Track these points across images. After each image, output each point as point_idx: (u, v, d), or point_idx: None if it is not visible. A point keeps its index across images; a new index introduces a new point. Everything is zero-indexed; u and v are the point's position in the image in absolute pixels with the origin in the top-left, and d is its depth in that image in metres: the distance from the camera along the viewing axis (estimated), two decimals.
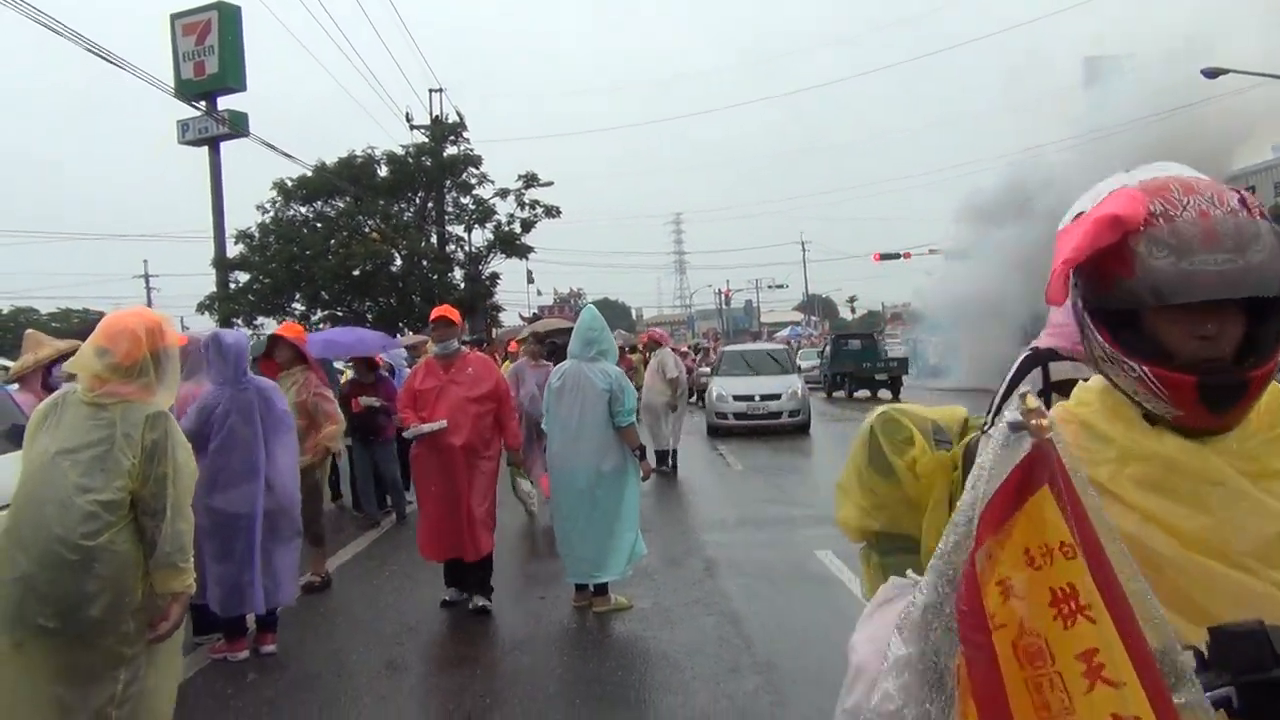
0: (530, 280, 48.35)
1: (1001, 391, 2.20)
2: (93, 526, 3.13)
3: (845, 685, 1.57)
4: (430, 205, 31.43)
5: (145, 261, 61.40)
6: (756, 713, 4.64)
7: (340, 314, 28.60)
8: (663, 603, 6.66)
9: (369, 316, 28.87)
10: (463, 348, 6.93)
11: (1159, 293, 1.31)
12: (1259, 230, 1.31)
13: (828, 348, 31.66)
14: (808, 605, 6.50)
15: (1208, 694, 1.13)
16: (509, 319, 37.53)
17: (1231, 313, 1.33)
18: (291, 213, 29.36)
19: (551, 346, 11.88)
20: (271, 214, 29.00)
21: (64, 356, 5.99)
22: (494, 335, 29.83)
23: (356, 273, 27.93)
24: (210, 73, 27.39)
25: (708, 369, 21.63)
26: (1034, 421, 1.17)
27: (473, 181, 31.11)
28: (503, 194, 30.71)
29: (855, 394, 29.31)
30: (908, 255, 51.59)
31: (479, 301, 30.28)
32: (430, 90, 33.22)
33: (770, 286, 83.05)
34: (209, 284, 29.03)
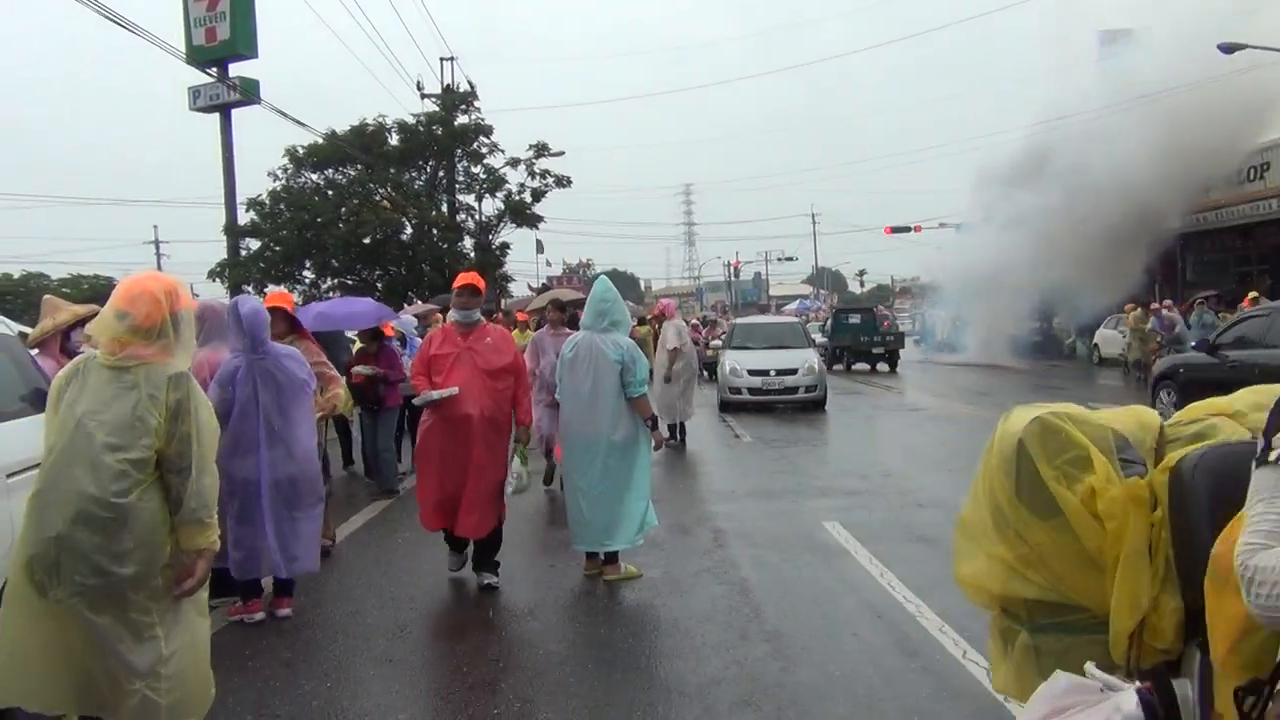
0: (540, 250, 48.35)
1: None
2: (123, 485, 3.23)
3: None
4: (441, 174, 31.42)
5: (155, 227, 61.61)
6: (765, 678, 4.71)
7: (350, 282, 28.67)
8: (672, 572, 6.74)
9: (379, 285, 28.94)
10: (483, 318, 6.76)
11: None
12: None
13: (829, 321, 31.72)
14: (815, 574, 6.56)
15: None
16: (518, 289, 37.61)
17: None
18: (303, 180, 29.36)
19: (572, 317, 11.89)
20: (283, 181, 29.01)
21: (82, 321, 6.07)
22: (503, 305, 29.89)
23: (367, 241, 27.95)
24: (222, 39, 27.29)
25: (718, 342, 21.01)
26: None
27: (483, 151, 31.08)
28: (513, 163, 30.71)
29: (853, 367, 29.52)
30: (918, 228, 51.39)
31: (489, 271, 30.28)
32: (441, 59, 33.15)
33: (780, 259, 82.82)
34: (219, 250, 29.09)
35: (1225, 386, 11.10)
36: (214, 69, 26.23)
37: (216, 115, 27.69)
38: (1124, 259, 26.02)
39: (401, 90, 76.22)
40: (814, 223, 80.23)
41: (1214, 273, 28.32)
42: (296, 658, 5.20)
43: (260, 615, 5.78)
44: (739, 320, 24.53)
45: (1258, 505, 1.15)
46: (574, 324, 10.05)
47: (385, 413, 10.06)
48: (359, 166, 29.32)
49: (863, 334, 29.90)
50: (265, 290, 26.98)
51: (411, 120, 30.26)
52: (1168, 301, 22.58)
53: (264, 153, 31.08)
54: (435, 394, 6.22)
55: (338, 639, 5.51)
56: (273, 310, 6.71)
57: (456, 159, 31.15)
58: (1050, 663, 1.23)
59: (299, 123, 23.98)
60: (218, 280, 27.88)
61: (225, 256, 28.31)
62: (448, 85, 32.09)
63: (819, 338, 30.35)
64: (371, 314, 10.67)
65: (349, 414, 10.35)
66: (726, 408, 17.52)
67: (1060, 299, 29.90)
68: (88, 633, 3.23)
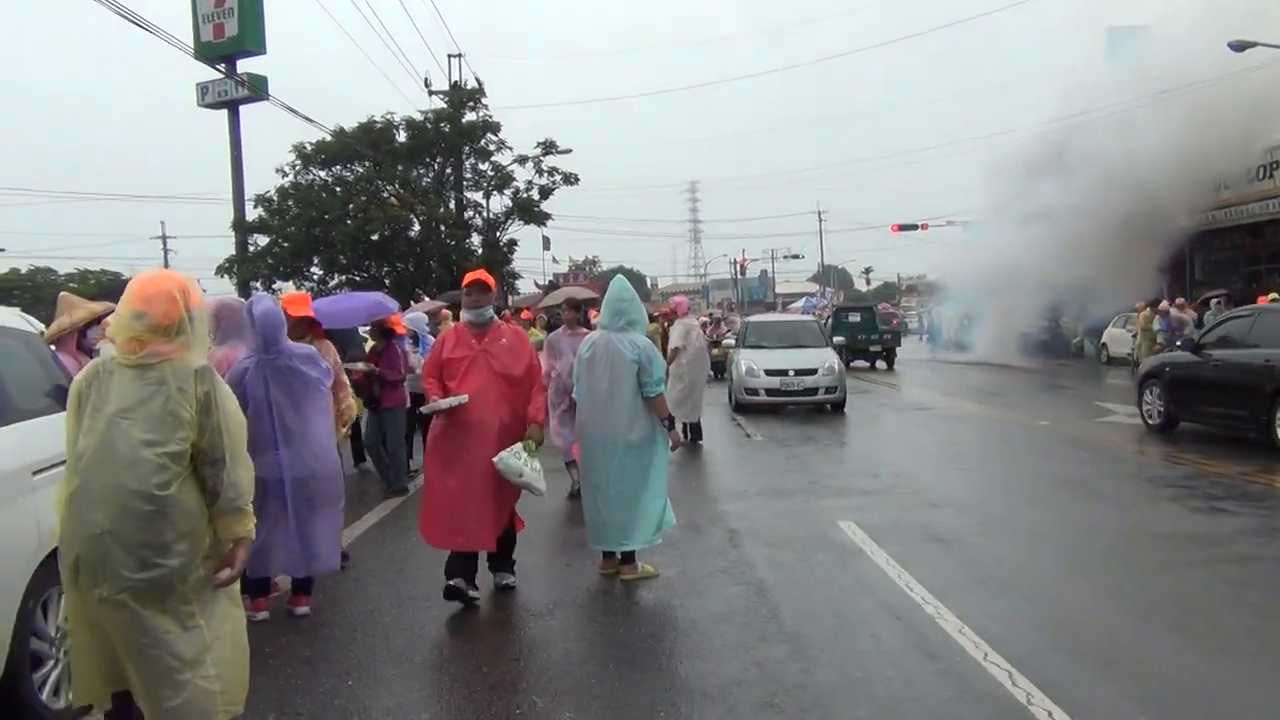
0: (546, 247, 48.32)
1: None
2: (164, 477, 3.27)
3: None
4: (449, 171, 31.45)
5: (163, 223, 61.70)
6: (786, 679, 4.70)
7: (358, 279, 28.72)
8: (688, 571, 6.74)
9: (386, 281, 28.97)
10: (496, 316, 6.44)
11: None
12: None
13: (829, 320, 31.78)
14: (832, 575, 6.56)
15: None
16: (524, 286, 37.60)
17: None
18: (311, 177, 29.42)
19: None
20: (291, 178, 29.06)
21: (98, 319, 6.09)
22: (510, 303, 29.90)
23: (375, 238, 28.00)
24: (230, 35, 27.40)
25: (729, 341, 20.23)
26: None
27: (491, 148, 31.13)
28: (521, 160, 30.75)
29: (851, 364, 29.51)
30: (925, 226, 51.26)
31: (497, 268, 30.33)
32: (449, 56, 33.34)
33: (786, 257, 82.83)
34: (227, 246, 29.22)
35: (1209, 385, 11.36)
36: (222, 65, 26.27)
37: (225, 111, 27.76)
38: (1134, 258, 26.00)
39: (410, 87, 76.43)
40: (820, 220, 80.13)
41: (1223, 272, 28.29)
42: (316, 656, 5.20)
43: (264, 614, 5.78)
44: (752, 318, 23.61)
45: None
46: (585, 324, 9.99)
47: (390, 412, 9.98)
48: (367, 163, 29.37)
49: (860, 332, 29.97)
50: (275, 287, 27.05)
51: (419, 117, 30.31)
52: (1180, 300, 22.50)
53: (272, 149, 31.17)
54: (443, 403, 5.91)
55: (356, 637, 5.51)
56: (291, 319, 6.67)
57: (464, 156, 31.21)
58: None
59: (307, 119, 24.01)
60: (226, 276, 27.97)
61: (233, 252, 28.39)
62: (455, 82, 32.16)
63: None
64: (362, 310, 10.32)
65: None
66: (742, 409, 16.92)
67: (1068, 298, 29.87)
68: (135, 628, 3.26)
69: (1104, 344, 29.26)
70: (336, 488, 5.95)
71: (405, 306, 17.63)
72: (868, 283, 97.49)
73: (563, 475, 9.26)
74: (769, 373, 16.70)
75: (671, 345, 12.60)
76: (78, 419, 3.39)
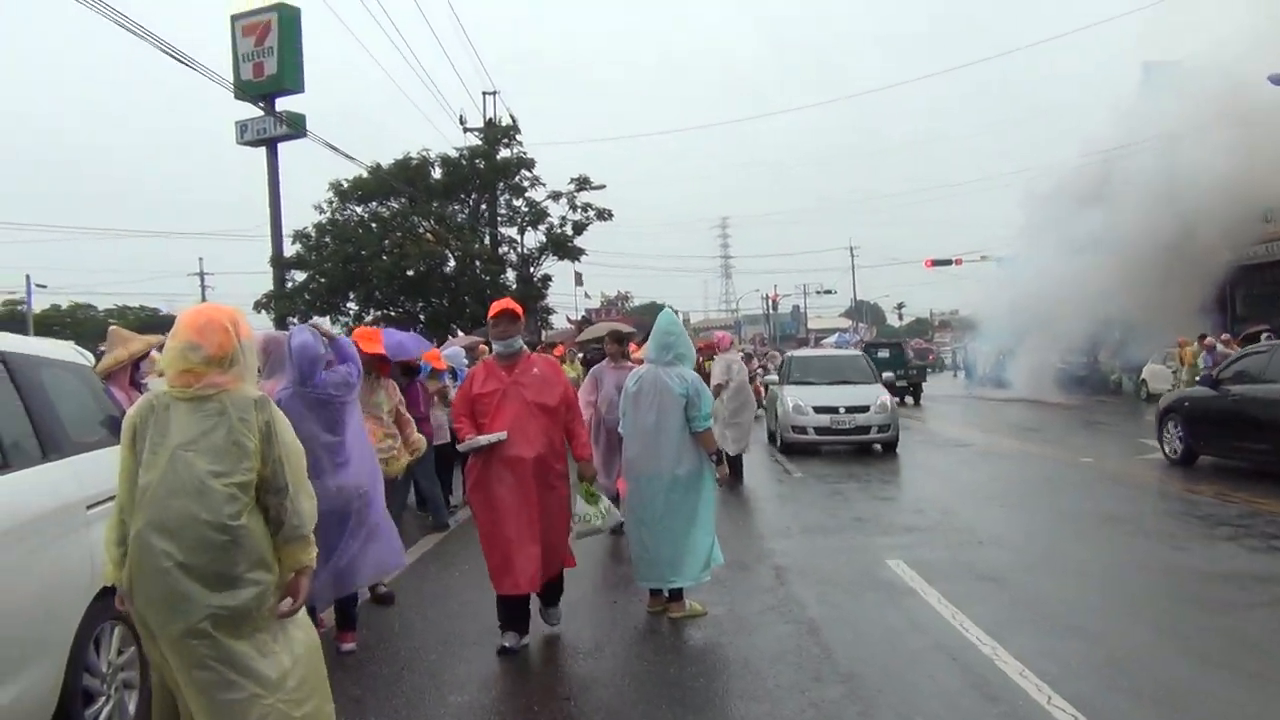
0: (579, 283, 48.47)
1: None
2: (235, 507, 3.29)
3: None
4: (484, 207, 31.68)
5: (200, 259, 62.44)
6: None
7: (393, 314, 28.91)
8: (737, 610, 6.63)
9: (421, 317, 29.15)
10: (525, 347, 6.22)
11: None
12: None
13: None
14: (884, 614, 6.43)
15: None
16: (557, 322, 37.70)
17: None
18: (347, 213, 29.70)
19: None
20: (328, 214, 29.37)
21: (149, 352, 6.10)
22: (544, 337, 29.97)
23: (410, 273, 28.18)
24: (269, 74, 27.83)
25: (773, 377, 19.32)
26: None
27: (525, 184, 31.35)
28: (555, 196, 30.94)
29: None
30: (959, 261, 51.11)
31: (531, 303, 30.43)
32: (484, 93, 33.60)
33: (818, 292, 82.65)
34: (264, 282, 29.52)
35: (1228, 419, 11.28)
36: (261, 103, 26.65)
37: (264, 149, 28.13)
38: (1174, 292, 25.71)
39: (445, 124, 77.20)
40: (852, 256, 79.97)
41: (1264, 307, 27.90)
42: (365, 694, 5.14)
43: (351, 645, 5.82)
44: (796, 352, 22.49)
45: None
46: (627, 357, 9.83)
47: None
48: (403, 199, 29.62)
49: (888, 368, 29.78)
50: (311, 321, 27.21)
51: (455, 154, 30.61)
52: (1225, 336, 22.18)
53: (310, 185, 31.55)
54: (482, 439, 5.67)
55: (404, 675, 5.45)
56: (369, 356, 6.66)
57: (499, 192, 31.43)
58: None
59: (346, 156, 24.29)
60: (264, 311, 28.21)
61: (271, 288, 28.64)
62: (490, 119, 32.46)
63: None
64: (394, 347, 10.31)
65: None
66: (789, 449, 16.08)
67: (1106, 333, 29.60)
68: (214, 658, 3.24)
69: (1143, 380, 28.88)
70: (380, 494, 5.92)
71: (441, 342, 17.67)
72: (900, 318, 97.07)
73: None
74: (818, 410, 15.82)
75: (713, 382, 12.47)
76: (134, 454, 3.38)
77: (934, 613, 6.38)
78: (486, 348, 13.01)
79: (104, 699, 4.17)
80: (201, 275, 62.25)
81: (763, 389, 19.32)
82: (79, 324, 54.01)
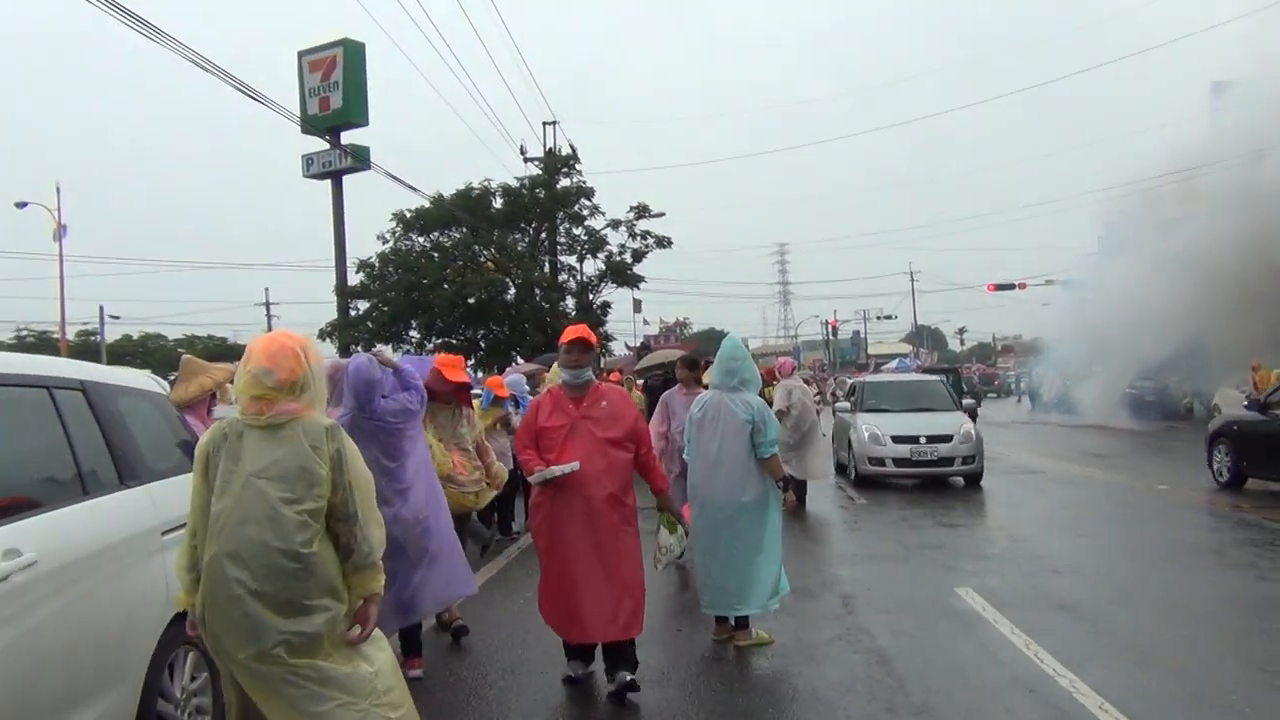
0: (637, 309, 48.55)
1: None
2: (307, 535, 3.32)
3: None
4: (544, 236, 31.90)
5: (266, 290, 63.59)
6: None
7: (455, 342, 29.15)
8: (805, 638, 6.53)
9: (482, 345, 29.37)
10: (595, 378, 5.82)
11: None
12: None
13: None
14: (956, 644, 6.29)
15: None
16: (616, 348, 37.77)
17: None
18: (410, 243, 30.05)
19: (667, 378, 11.58)
20: (391, 244, 29.74)
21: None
22: (604, 364, 30.01)
23: (471, 301, 28.40)
24: (335, 108, 28.33)
25: (845, 404, 17.55)
26: None
27: (584, 212, 31.53)
28: (614, 225, 31.08)
29: None
30: (1023, 285, 50.48)
31: (591, 330, 30.53)
32: (544, 123, 33.84)
33: (878, 317, 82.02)
34: (328, 311, 29.96)
35: (1276, 442, 11.60)
36: (327, 136, 27.13)
37: (329, 181, 28.61)
38: (1251, 315, 25.05)
39: (506, 154, 78.10)
40: (913, 281, 79.35)
41: None
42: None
43: (418, 672, 5.83)
44: (867, 378, 20.81)
45: None
46: (668, 384, 9.59)
47: None
48: (464, 229, 29.93)
49: None
50: (375, 350, 27.50)
51: (515, 183, 30.89)
52: (1255, 362, 21.57)
53: (373, 216, 32.05)
54: (556, 470, 5.31)
55: (471, 703, 5.44)
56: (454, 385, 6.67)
57: (559, 221, 31.63)
58: None
59: (410, 187, 24.67)
60: (328, 340, 28.61)
61: (335, 317, 29.05)
62: (550, 149, 32.74)
63: None
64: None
65: None
66: (864, 482, 15.01)
67: (1177, 357, 28.91)
68: (296, 679, 3.27)
69: (1216, 404, 28.12)
70: (445, 521, 5.93)
71: (501, 370, 17.77)
72: (962, 343, 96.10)
73: None
74: (896, 440, 14.54)
75: (774, 408, 12.33)
76: (206, 481, 3.42)
77: (1007, 643, 6.23)
78: (548, 375, 13.09)
79: None
80: (268, 305, 63.40)
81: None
82: (149, 353, 55.30)
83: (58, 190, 39.61)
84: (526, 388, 12.72)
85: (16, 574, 3.24)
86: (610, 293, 32.62)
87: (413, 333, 29.70)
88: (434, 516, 5.82)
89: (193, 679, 4.35)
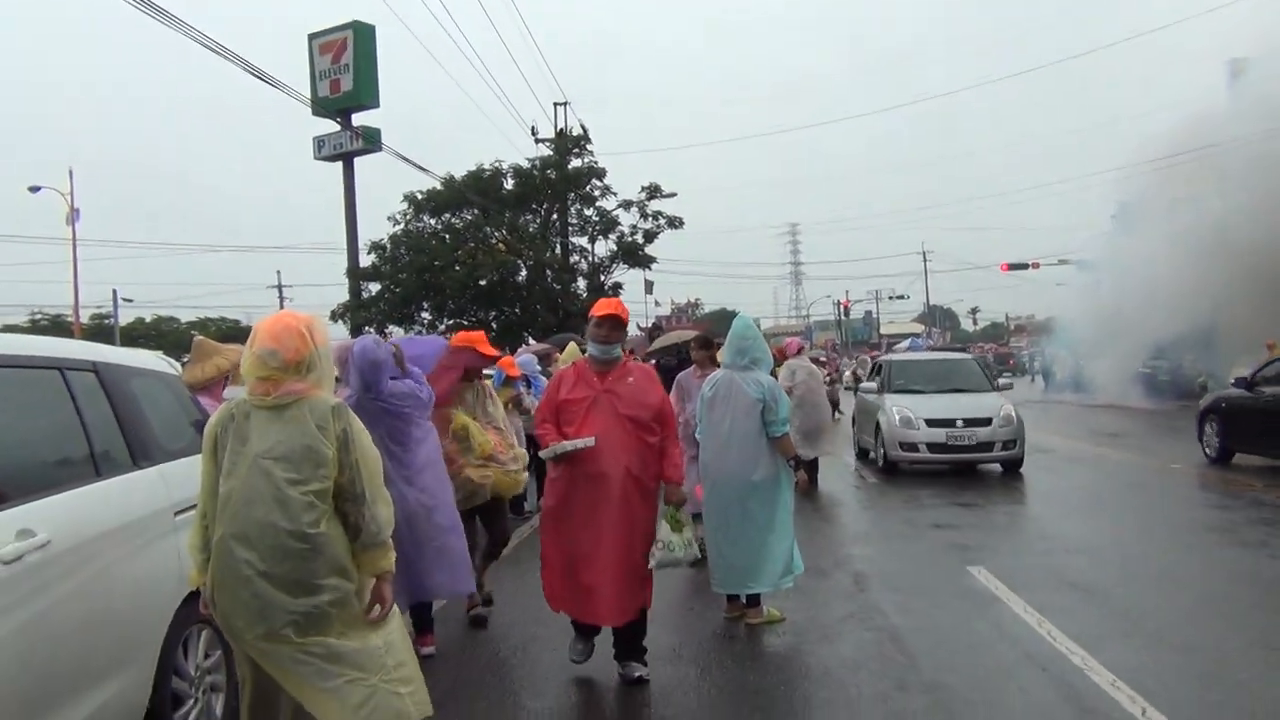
0: (649, 290, 48.61)
1: None
2: (313, 515, 3.32)
3: None
4: (555, 217, 31.86)
5: (279, 272, 63.68)
6: None
7: (466, 323, 29.19)
8: (816, 617, 6.54)
9: (494, 326, 29.39)
10: (623, 354, 5.58)
11: None
12: None
13: None
14: (968, 623, 6.28)
15: None
16: (628, 329, 37.78)
17: None
18: (421, 224, 30.06)
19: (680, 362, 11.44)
20: (402, 226, 29.76)
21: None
22: None
23: (483, 283, 28.41)
24: (345, 90, 28.38)
25: (871, 384, 16.11)
26: None
27: (596, 193, 31.46)
28: (626, 205, 31.02)
29: None
30: (1036, 265, 50.26)
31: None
32: (555, 104, 33.78)
33: (890, 297, 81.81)
34: (340, 293, 30.02)
35: (1263, 419, 12.30)
36: (338, 118, 27.15)
37: (340, 163, 28.64)
38: (1266, 294, 24.88)
39: (517, 135, 77.96)
40: (925, 260, 78.99)
41: None
42: (445, 698, 5.11)
43: (430, 649, 5.85)
44: (894, 356, 18.80)
45: None
46: (682, 364, 9.41)
47: None
48: (475, 210, 29.91)
49: None
50: (386, 330, 27.58)
51: (526, 164, 30.84)
52: (1270, 341, 21.41)
53: (384, 198, 32.05)
54: (569, 445, 5.09)
55: (484, 679, 5.48)
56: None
57: (570, 202, 31.58)
58: None
59: (420, 168, 24.67)
60: (340, 322, 28.68)
61: (347, 299, 29.12)
62: (561, 130, 32.66)
63: None
64: (430, 356, 9.82)
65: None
66: (894, 469, 14.05)
67: (1191, 337, 28.75)
68: (306, 656, 3.30)
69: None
70: (451, 514, 5.92)
71: (513, 351, 17.77)
72: (974, 322, 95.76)
73: None
74: (931, 423, 13.52)
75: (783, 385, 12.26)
76: (215, 462, 3.43)
77: (1020, 621, 6.22)
78: (559, 355, 13.08)
79: (192, 701, 4.22)
80: (280, 287, 63.49)
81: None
82: (162, 336, 55.58)
83: (70, 174, 39.85)
84: (538, 367, 12.72)
85: (30, 554, 3.26)
86: (622, 274, 32.61)
87: (424, 314, 29.75)
88: (441, 507, 5.83)
89: (206, 656, 4.38)
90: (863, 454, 15.95)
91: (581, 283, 31.78)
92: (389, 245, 29.38)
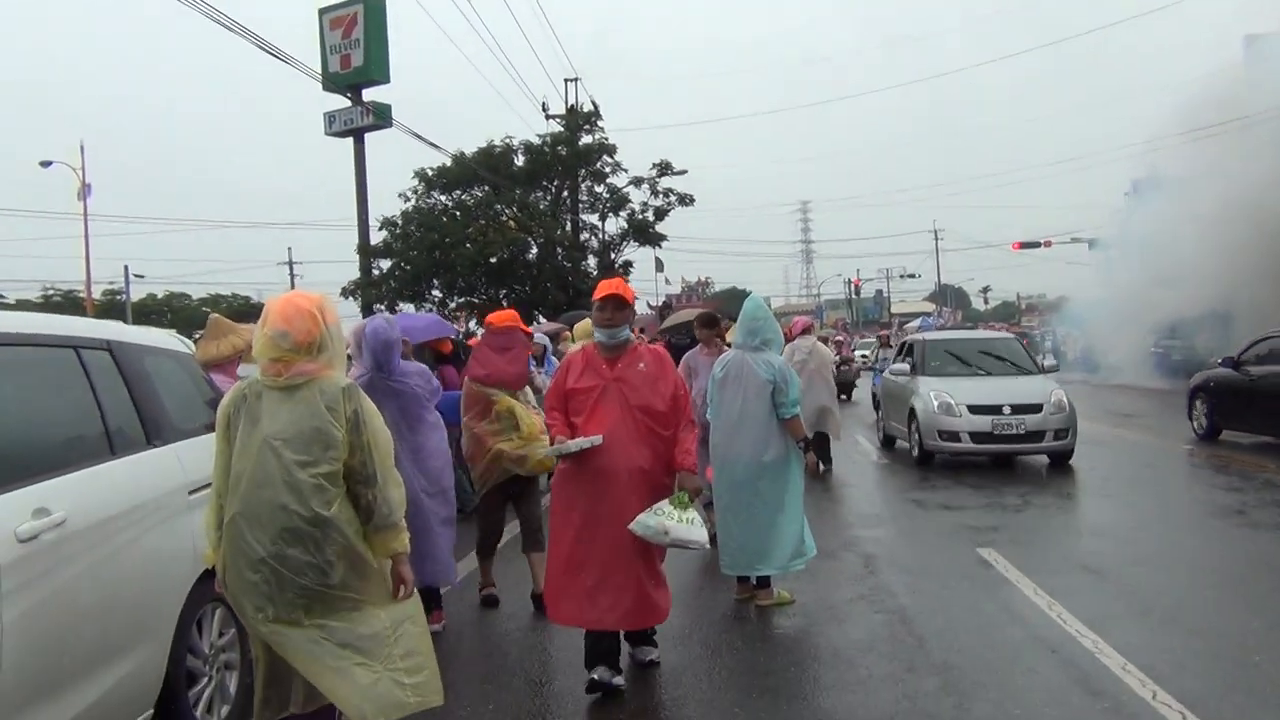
0: (659, 268, 48.43)
1: None
2: (324, 497, 3.33)
3: None
4: (565, 194, 31.77)
5: (289, 249, 63.79)
6: (941, 715, 4.49)
7: (476, 301, 29.17)
8: (826, 598, 6.55)
9: (505, 304, 29.36)
10: (634, 337, 5.32)
11: None
12: None
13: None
14: (978, 604, 6.28)
15: None
16: (638, 307, 37.73)
17: None
18: (432, 201, 29.99)
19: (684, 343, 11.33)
20: (413, 202, 29.70)
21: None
22: None
23: (494, 260, 28.36)
24: (356, 65, 28.21)
25: (903, 366, 14.32)
26: None
27: (606, 170, 31.34)
28: (636, 182, 30.90)
29: None
30: (1049, 243, 50.03)
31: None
32: (566, 80, 33.67)
33: (901, 276, 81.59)
34: (351, 270, 29.97)
35: (1248, 397, 12.77)
36: (349, 94, 27.05)
37: (350, 139, 28.55)
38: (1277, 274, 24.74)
39: (528, 111, 77.65)
40: (936, 239, 78.68)
41: None
42: (454, 677, 5.16)
43: (437, 626, 5.88)
44: (928, 336, 16.77)
45: None
46: (689, 347, 9.30)
47: None
48: (486, 187, 29.83)
49: None
50: (397, 308, 27.59)
51: (537, 141, 30.72)
52: None
53: (395, 173, 31.95)
54: (573, 444, 4.78)
55: (493, 659, 5.52)
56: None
57: (580, 179, 31.48)
58: None
59: (432, 145, 24.56)
60: (350, 299, 28.67)
61: (358, 276, 29.10)
62: (572, 106, 32.54)
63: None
64: (420, 330, 9.17)
65: None
66: (929, 460, 12.84)
67: (1205, 316, 28.60)
68: (314, 638, 3.33)
69: None
70: (450, 502, 5.97)
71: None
72: (985, 302, 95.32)
73: None
74: (974, 410, 12.21)
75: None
76: (228, 442, 3.44)
77: (1030, 604, 6.22)
78: (570, 335, 13.03)
79: (206, 679, 4.26)
80: (290, 264, 63.62)
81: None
82: (174, 312, 55.79)
83: (82, 149, 39.64)
84: (549, 344, 12.68)
85: (47, 532, 3.28)
86: (632, 251, 32.53)
87: (435, 292, 29.72)
88: (442, 497, 5.88)
89: (220, 635, 4.41)
90: (888, 442, 14.99)
91: (592, 260, 31.72)
92: (400, 222, 29.34)
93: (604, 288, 5.13)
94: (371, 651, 3.39)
